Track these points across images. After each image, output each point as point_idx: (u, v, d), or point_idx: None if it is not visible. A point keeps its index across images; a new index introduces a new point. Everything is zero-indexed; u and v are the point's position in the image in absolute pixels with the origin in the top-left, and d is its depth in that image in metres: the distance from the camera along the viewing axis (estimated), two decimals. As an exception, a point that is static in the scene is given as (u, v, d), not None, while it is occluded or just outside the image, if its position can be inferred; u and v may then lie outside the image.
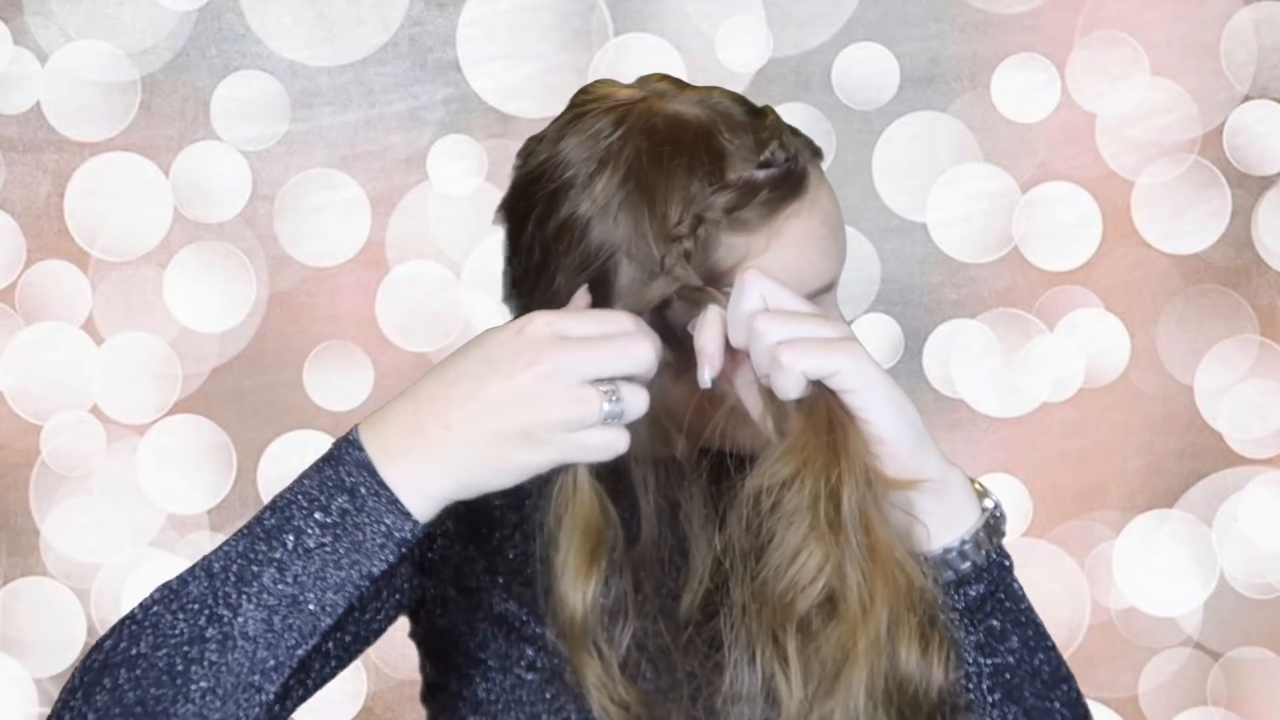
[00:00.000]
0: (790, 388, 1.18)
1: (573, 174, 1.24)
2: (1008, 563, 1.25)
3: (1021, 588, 1.26)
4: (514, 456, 1.17)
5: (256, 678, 1.16)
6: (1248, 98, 2.37)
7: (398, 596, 1.24)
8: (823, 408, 1.18)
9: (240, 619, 1.16)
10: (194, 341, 2.36)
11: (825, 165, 1.30)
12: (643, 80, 1.30)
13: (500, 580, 1.33)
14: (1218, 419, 2.40)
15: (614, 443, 1.17)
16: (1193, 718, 2.42)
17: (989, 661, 1.24)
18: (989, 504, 1.25)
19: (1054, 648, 1.26)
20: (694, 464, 1.26)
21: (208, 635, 1.16)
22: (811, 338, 1.18)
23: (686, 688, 1.27)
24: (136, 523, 2.36)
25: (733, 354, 1.21)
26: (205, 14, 2.34)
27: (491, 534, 1.33)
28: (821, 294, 1.26)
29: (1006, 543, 1.26)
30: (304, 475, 1.18)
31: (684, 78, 1.31)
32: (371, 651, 1.26)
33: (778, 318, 1.19)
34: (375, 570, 1.17)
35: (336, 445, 1.19)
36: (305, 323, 2.37)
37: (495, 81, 2.35)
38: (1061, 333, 2.39)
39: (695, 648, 1.27)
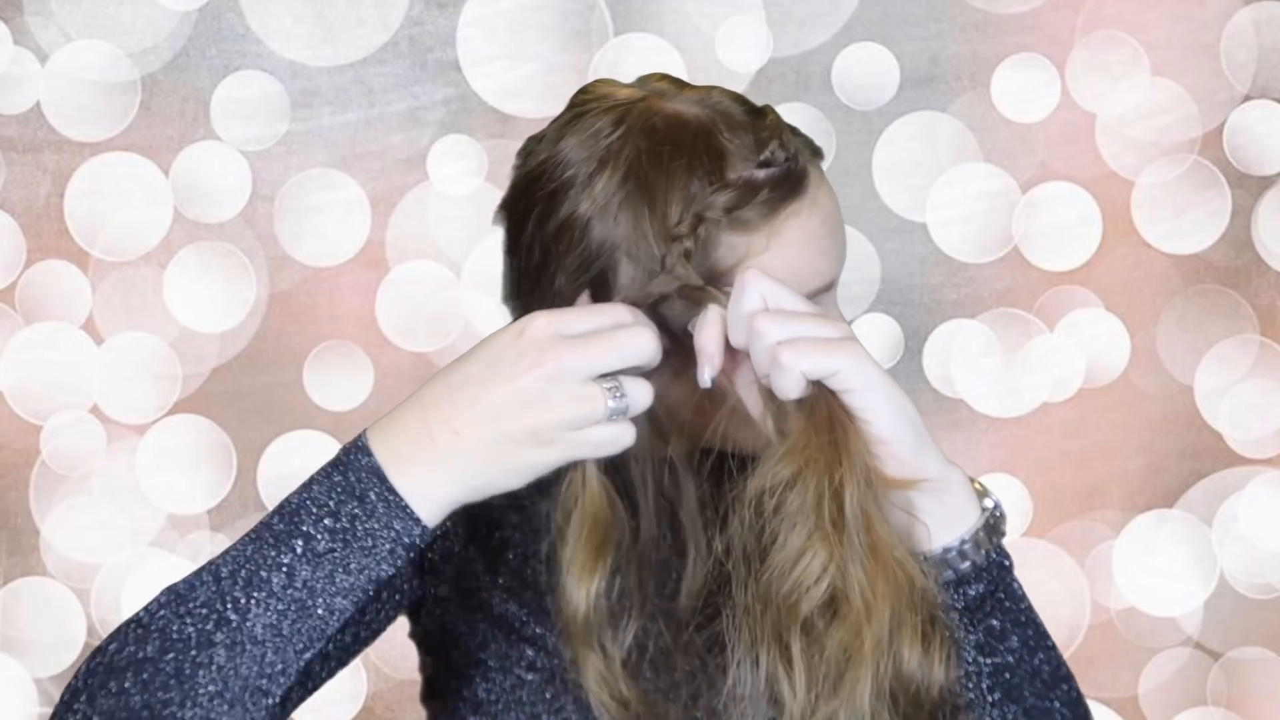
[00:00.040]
0: (790, 388, 1.18)
1: (572, 173, 1.24)
2: (1007, 562, 1.25)
3: (1021, 587, 1.26)
4: (522, 458, 1.17)
5: (264, 681, 1.17)
6: (1248, 98, 2.37)
7: (398, 597, 1.24)
8: (823, 407, 1.18)
9: (249, 623, 1.16)
10: (194, 341, 2.36)
11: (825, 165, 1.30)
12: (642, 80, 1.30)
13: (500, 581, 1.33)
14: (1218, 419, 2.40)
15: (620, 436, 1.17)
16: (1193, 718, 2.42)
17: (989, 661, 1.24)
18: (989, 504, 1.25)
19: (1054, 647, 1.26)
20: (693, 464, 1.26)
21: (216, 639, 1.16)
22: (811, 337, 1.18)
23: (687, 688, 1.27)
24: (136, 523, 2.36)
25: (733, 354, 1.21)
26: (205, 14, 2.34)
27: (492, 534, 1.33)
28: (821, 294, 1.26)
29: (1006, 543, 1.26)
30: (313, 480, 1.19)
31: (684, 78, 1.31)
32: (371, 651, 1.26)
33: (778, 317, 1.19)
34: (384, 574, 1.18)
35: (345, 451, 1.19)
36: (305, 323, 2.37)
37: (495, 81, 2.35)
38: (1061, 333, 2.39)
39: (696, 648, 1.27)
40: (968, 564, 1.22)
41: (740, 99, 1.29)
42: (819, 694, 1.18)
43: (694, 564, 1.25)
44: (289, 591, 1.17)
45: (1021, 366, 2.39)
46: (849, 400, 1.19)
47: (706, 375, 1.20)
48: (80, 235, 2.35)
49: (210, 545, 2.37)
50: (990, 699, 1.23)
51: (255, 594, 1.17)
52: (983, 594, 1.23)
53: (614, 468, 1.21)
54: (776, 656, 1.19)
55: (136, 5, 2.33)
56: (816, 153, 1.30)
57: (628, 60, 2.33)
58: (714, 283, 1.22)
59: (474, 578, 1.33)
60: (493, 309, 1.33)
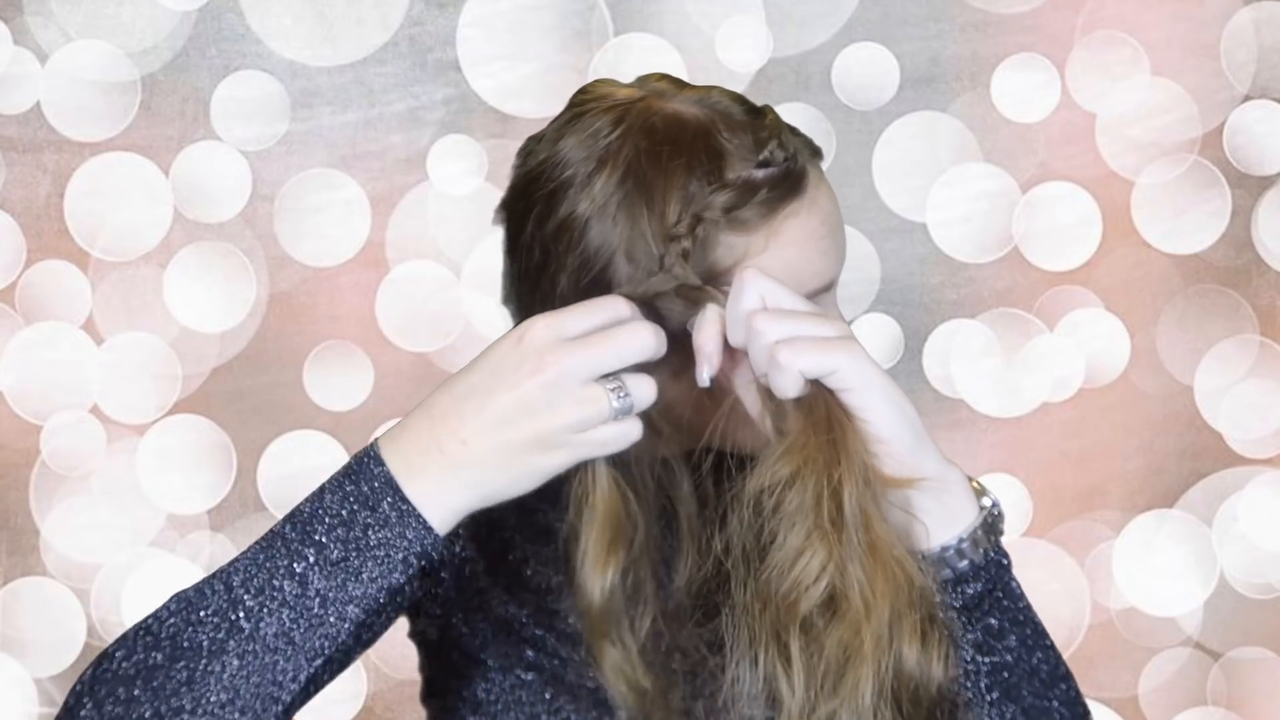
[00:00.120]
0: (788, 387, 1.18)
1: (572, 173, 1.24)
2: (1006, 561, 1.25)
3: (1020, 586, 1.26)
4: (531, 463, 1.18)
5: (274, 689, 1.17)
6: (1248, 98, 2.37)
7: (399, 599, 1.24)
8: (821, 407, 1.19)
9: (261, 631, 1.17)
10: (194, 341, 2.36)
11: (825, 165, 1.30)
12: (642, 80, 1.30)
13: (501, 581, 1.33)
14: (1218, 419, 2.40)
15: (627, 433, 1.18)
16: (1193, 718, 2.42)
17: (987, 660, 1.24)
18: (987, 503, 1.25)
19: (1052, 646, 1.26)
20: (691, 463, 1.26)
21: (228, 648, 1.17)
22: (810, 336, 1.18)
23: (686, 686, 1.27)
24: (136, 523, 2.36)
25: (731, 353, 1.21)
26: (205, 14, 2.34)
27: (493, 536, 1.33)
28: (821, 294, 1.26)
29: (1006, 542, 1.26)
30: (325, 489, 1.19)
31: (684, 78, 1.31)
32: (371, 651, 1.26)
33: (776, 317, 1.19)
34: (396, 583, 1.18)
35: (358, 460, 1.19)
36: (305, 323, 2.37)
37: (495, 81, 2.35)
38: (1061, 333, 2.39)
39: (695, 647, 1.27)
40: (966, 563, 1.23)
41: (740, 99, 1.29)
42: (818, 693, 1.18)
43: (692, 563, 1.25)
44: (301, 600, 1.17)
45: (1021, 366, 2.39)
46: (847, 399, 1.19)
47: (705, 374, 1.20)
48: (80, 235, 2.35)
49: (210, 545, 2.37)
50: (989, 698, 1.24)
51: (268, 602, 1.17)
52: (981, 593, 1.23)
53: (617, 462, 1.21)
54: (775, 655, 1.19)
55: (136, 5, 2.33)
56: (816, 153, 1.30)
57: (628, 60, 2.33)
58: (713, 282, 1.22)
59: (474, 578, 1.33)
60: (493, 309, 1.33)
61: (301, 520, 1.18)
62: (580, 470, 1.20)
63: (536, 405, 1.16)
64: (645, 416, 1.19)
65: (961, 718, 1.23)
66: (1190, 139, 2.37)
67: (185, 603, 1.19)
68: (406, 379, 2.36)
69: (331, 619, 1.18)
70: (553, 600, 1.32)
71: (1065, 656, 1.29)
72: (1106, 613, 2.40)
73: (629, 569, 1.21)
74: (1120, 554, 2.41)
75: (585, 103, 1.28)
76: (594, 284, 1.22)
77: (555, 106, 1.31)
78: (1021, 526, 2.38)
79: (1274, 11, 2.35)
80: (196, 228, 2.35)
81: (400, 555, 1.18)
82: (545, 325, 1.17)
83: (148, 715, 1.16)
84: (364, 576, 1.18)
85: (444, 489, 1.18)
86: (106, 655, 1.18)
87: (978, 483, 1.26)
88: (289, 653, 1.17)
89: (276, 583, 1.17)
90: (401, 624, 1.33)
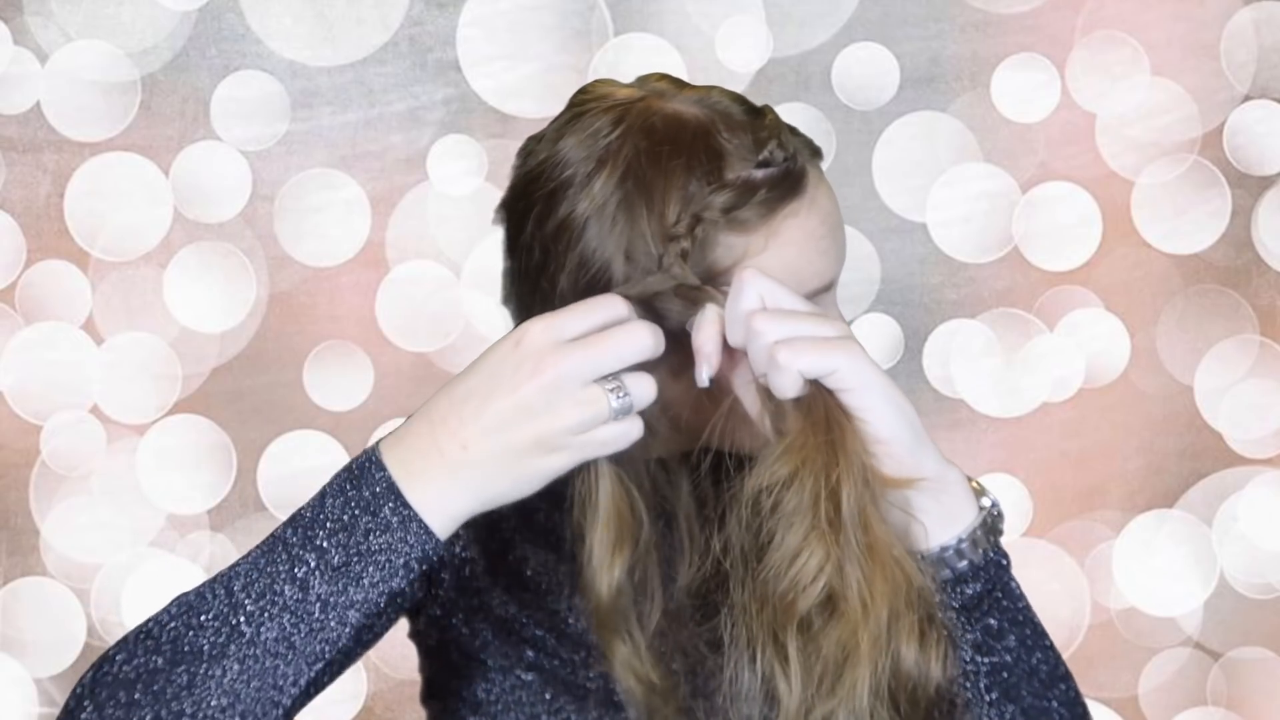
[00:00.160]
0: (788, 387, 1.18)
1: (571, 173, 1.24)
2: (1005, 562, 1.25)
3: (1019, 586, 1.26)
4: (532, 466, 1.18)
5: (275, 692, 1.17)
6: (1248, 98, 2.37)
7: (400, 601, 1.24)
8: (820, 407, 1.18)
9: (262, 635, 1.17)
10: (194, 341, 2.36)
11: (825, 165, 1.30)
12: (642, 80, 1.30)
13: (501, 581, 1.33)
14: (1218, 419, 2.40)
15: (628, 432, 1.18)
16: (1193, 718, 2.42)
17: (986, 660, 1.24)
18: (986, 503, 1.25)
19: (1052, 647, 1.26)
20: (690, 464, 1.26)
21: (229, 652, 1.17)
22: (809, 337, 1.18)
23: (686, 685, 1.27)
24: (136, 523, 2.36)
25: (731, 353, 1.21)
26: (205, 14, 2.34)
27: (493, 536, 1.33)
28: (821, 294, 1.26)
29: (1006, 542, 1.26)
30: (326, 494, 1.19)
31: (684, 78, 1.31)
32: (371, 651, 1.26)
33: (775, 317, 1.19)
34: (397, 588, 1.18)
35: (360, 466, 1.19)
36: (305, 323, 2.37)
37: (495, 81, 2.35)
38: (1061, 333, 2.39)
39: (694, 645, 1.27)
40: (965, 563, 1.22)
41: (739, 99, 1.29)
42: (816, 692, 1.18)
43: (690, 562, 1.26)
44: (302, 605, 1.17)
45: (1021, 366, 2.39)
46: (846, 399, 1.19)
47: (704, 374, 1.20)
48: (80, 235, 2.35)
49: (210, 545, 2.37)
50: (988, 698, 1.23)
51: (268, 607, 1.17)
52: (980, 593, 1.23)
53: (619, 463, 1.21)
54: (773, 655, 1.19)
55: (136, 5, 2.33)
56: (816, 153, 1.30)
57: (628, 60, 2.33)
58: (712, 283, 1.22)
59: (474, 579, 1.33)
60: (493, 309, 1.33)
61: (303, 525, 1.18)
62: (583, 470, 1.20)
63: (536, 408, 1.16)
64: (644, 416, 1.19)
65: (960, 718, 1.23)
66: (1190, 139, 2.37)
67: (186, 606, 1.19)
68: (406, 379, 2.36)
69: (332, 623, 1.18)
70: (553, 600, 1.32)
71: (1065, 656, 1.29)
72: (1106, 613, 2.40)
73: (635, 565, 1.21)
74: (1120, 554, 2.41)
75: (585, 103, 1.28)
76: (593, 284, 1.22)
77: (555, 106, 1.31)
78: (1021, 526, 2.38)
79: (1274, 11, 2.35)
80: (196, 228, 2.35)
81: (401, 560, 1.18)
82: (543, 328, 1.17)
83: (148, 719, 1.16)
84: (365, 581, 1.18)
85: (445, 494, 1.18)
86: (107, 658, 1.18)
87: (977, 483, 1.26)
88: (289, 657, 1.17)
89: (277, 587, 1.17)
90: (401, 624, 1.33)
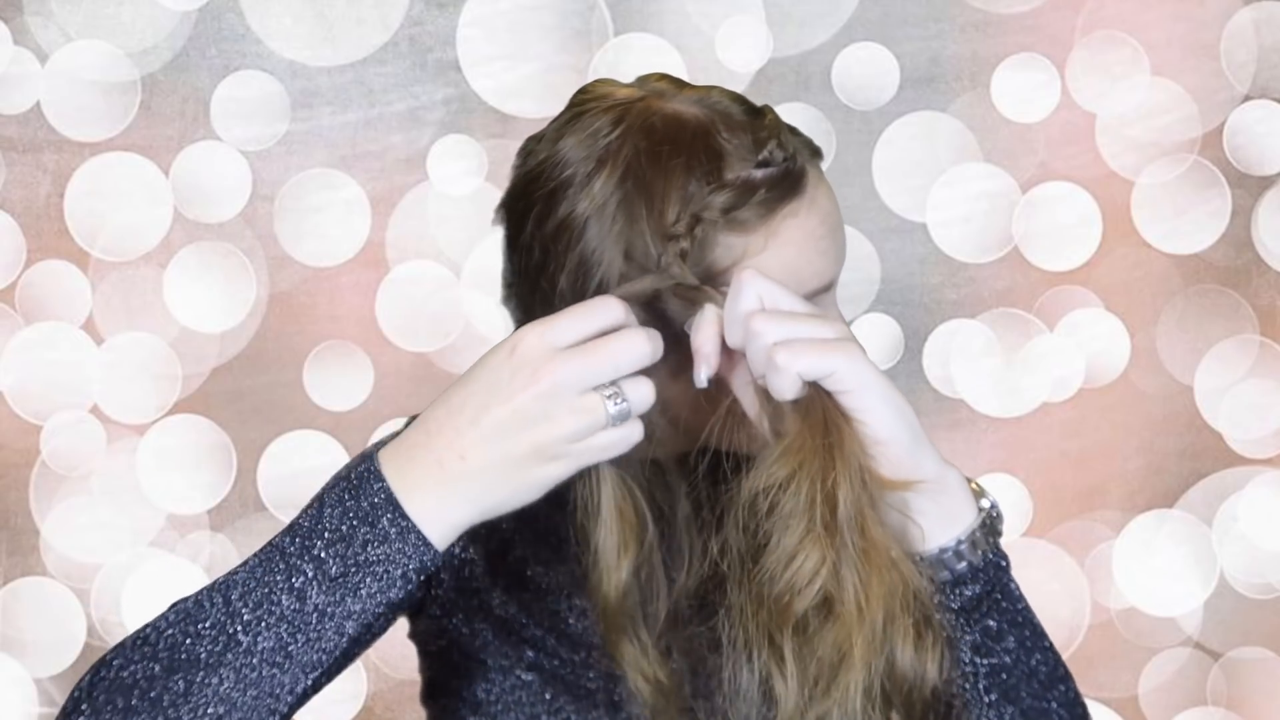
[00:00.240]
0: (786, 388, 1.18)
1: (571, 173, 1.24)
2: (1004, 563, 1.25)
3: (1019, 588, 1.26)
4: (531, 475, 1.18)
5: (271, 700, 1.17)
6: (1248, 98, 2.37)
7: (397, 611, 1.24)
8: (819, 408, 1.18)
9: (259, 645, 1.17)
10: (194, 341, 2.36)
11: (825, 165, 1.30)
12: (642, 80, 1.30)
13: (500, 583, 1.33)
14: (1218, 419, 2.40)
15: (628, 436, 1.18)
16: (1193, 718, 2.42)
17: (985, 661, 1.23)
18: (985, 504, 1.25)
19: (1051, 648, 1.26)
20: (689, 465, 1.26)
21: (225, 660, 1.17)
22: (808, 338, 1.18)
23: (686, 685, 1.27)
24: (136, 523, 2.36)
25: (729, 354, 1.21)
26: (205, 14, 2.34)
27: (492, 537, 1.33)
28: (820, 294, 1.26)
29: (1006, 543, 1.26)
30: (325, 503, 1.19)
31: (684, 78, 1.31)
32: (371, 651, 1.26)
33: (774, 318, 1.18)
34: (394, 598, 1.18)
35: (358, 476, 1.19)
36: (305, 323, 2.37)
37: (495, 81, 2.35)
38: (1061, 333, 2.39)
39: (693, 646, 1.27)
40: (964, 564, 1.22)
41: (739, 99, 1.28)
42: (811, 693, 1.18)
43: (688, 564, 1.25)
44: (299, 615, 1.17)
45: (1021, 366, 2.39)
46: (845, 401, 1.19)
47: (703, 375, 1.20)
48: (80, 235, 2.35)
49: (210, 545, 2.37)
50: (987, 699, 1.23)
51: (265, 617, 1.17)
52: (979, 594, 1.23)
53: (619, 465, 1.21)
54: (769, 656, 1.19)
55: (136, 5, 2.33)
56: (816, 153, 1.30)
57: (628, 60, 2.33)
58: (711, 283, 1.22)
59: (474, 580, 1.33)
60: (493, 309, 1.33)
61: (301, 534, 1.18)
62: (584, 474, 1.20)
63: (533, 417, 1.16)
64: (643, 417, 1.19)
65: (959, 719, 1.23)
66: (1190, 139, 2.37)
67: (184, 614, 1.19)
68: (406, 379, 2.36)
69: (329, 633, 1.18)
70: (553, 600, 1.32)
71: (1065, 657, 1.29)
72: (1106, 613, 2.40)
73: (641, 566, 1.21)
74: (1120, 554, 2.41)
75: (585, 103, 1.28)
76: (593, 283, 1.22)
77: (555, 106, 1.31)
78: (1021, 526, 2.38)
79: (1274, 11, 2.35)
80: (196, 228, 2.35)
81: (399, 571, 1.18)
82: (538, 335, 1.17)
83: (144, 725, 1.17)
84: (362, 593, 1.18)
85: (444, 504, 1.18)
86: (104, 663, 1.18)
87: (977, 484, 1.26)
88: (286, 666, 1.17)
89: (275, 597, 1.17)
90: (401, 624, 1.34)
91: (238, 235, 2.35)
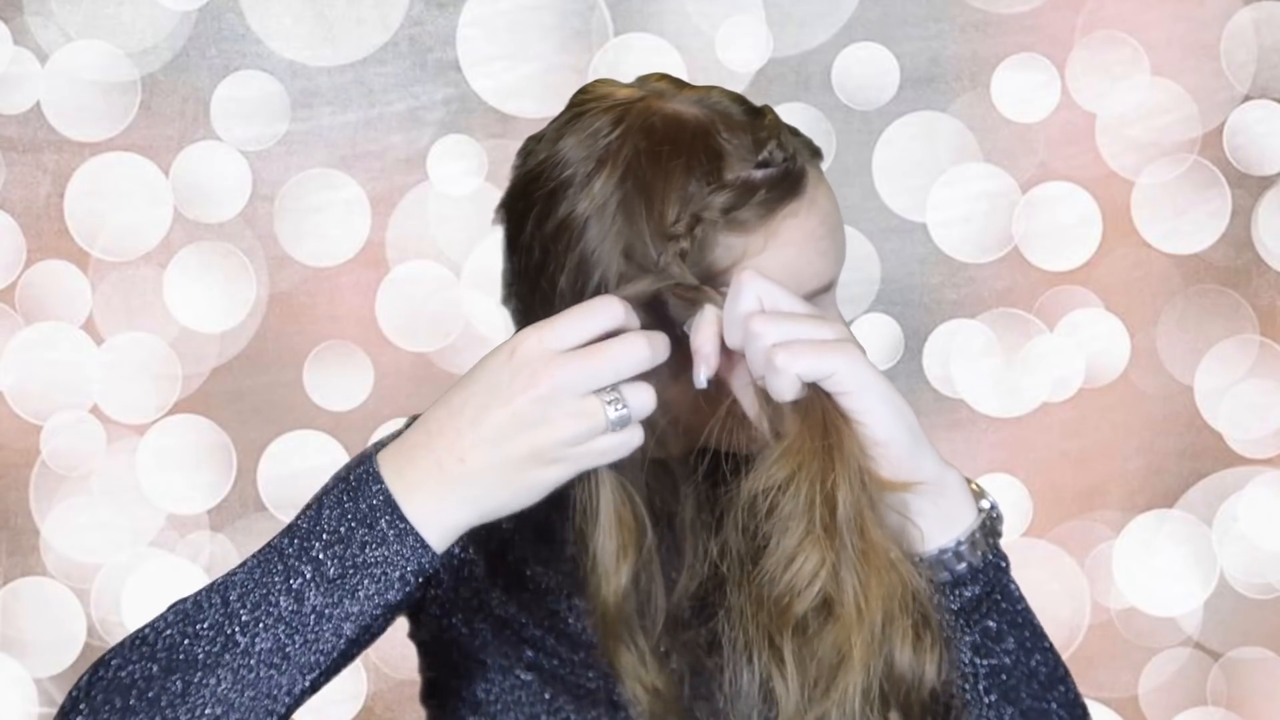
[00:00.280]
0: (785, 390, 1.18)
1: (571, 173, 1.24)
2: (1004, 564, 1.25)
3: (1019, 588, 1.25)
4: (530, 477, 1.17)
5: (268, 701, 1.17)
6: (1248, 98, 2.37)
7: (395, 612, 1.24)
8: (818, 410, 1.18)
9: (256, 646, 1.17)
10: (194, 341, 2.36)
11: (825, 165, 1.30)
12: (642, 80, 1.30)
13: (500, 582, 1.33)
14: (1218, 419, 2.40)
15: (628, 441, 1.18)
16: (1193, 718, 2.42)
17: (985, 662, 1.23)
18: (985, 505, 1.25)
19: (1051, 648, 1.26)
20: (690, 465, 1.26)
21: (223, 661, 1.17)
22: (807, 339, 1.18)
23: (686, 687, 1.27)
24: (136, 523, 2.36)
25: (729, 354, 1.21)
26: (205, 14, 2.34)
27: (491, 537, 1.33)
28: (820, 294, 1.26)
29: (1006, 543, 1.26)
30: (323, 504, 1.19)
31: (684, 78, 1.31)
32: (371, 651, 1.26)
33: (773, 319, 1.18)
34: (392, 600, 1.18)
35: (357, 478, 1.19)
36: (305, 323, 2.37)
37: (495, 81, 2.35)
38: (1061, 333, 2.39)
39: (693, 648, 1.27)
40: (964, 565, 1.22)
41: (739, 99, 1.28)
42: (811, 695, 1.18)
43: (689, 565, 1.25)
44: (297, 617, 1.17)
45: (1021, 366, 2.39)
46: (844, 402, 1.19)
47: (702, 376, 1.20)
48: (80, 235, 2.35)
49: (210, 545, 2.37)
50: (986, 700, 1.23)
51: (264, 618, 1.17)
52: (979, 595, 1.23)
53: (619, 469, 1.21)
54: (769, 657, 1.19)
55: (136, 5, 2.33)
56: (815, 153, 1.30)
57: (628, 60, 2.33)
58: (711, 283, 1.22)
59: (474, 580, 1.33)
60: (493, 309, 1.33)
61: (299, 536, 1.18)
62: (583, 477, 1.20)
63: (532, 420, 1.16)
64: (644, 422, 1.19)
65: (958, 720, 1.23)
66: (1190, 139, 2.37)
67: (182, 615, 1.19)
68: (406, 379, 2.36)
69: (327, 635, 1.17)
70: (552, 600, 1.32)
71: (1065, 657, 1.29)
72: (1106, 613, 2.40)
73: (639, 572, 1.21)
74: (1120, 554, 2.41)
75: (585, 103, 1.28)
76: (593, 283, 1.22)
77: (555, 106, 1.31)
78: (1021, 526, 2.38)
79: (1274, 11, 2.35)
80: (196, 228, 2.35)
81: (397, 574, 1.18)
82: (538, 338, 1.17)
83: (142, 725, 1.17)
84: (360, 594, 1.17)
85: (443, 507, 1.18)
86: (103, 663, 1.18)
87: (976, 485, 1.26)
88: (284, 667, 1.17)
89: (273, 598, 1.17)
90: (401, 624, 1.34)
91: (238, 235, 2.35)
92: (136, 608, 2.33)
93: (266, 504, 2.36)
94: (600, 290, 1.21)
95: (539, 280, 1.25)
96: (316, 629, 1.17)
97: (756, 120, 1.26)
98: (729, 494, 1.20)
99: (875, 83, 2.36)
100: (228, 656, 1.17)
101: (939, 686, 1.19)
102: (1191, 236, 2.38)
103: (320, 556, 1.17)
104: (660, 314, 1.21)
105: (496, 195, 1.30)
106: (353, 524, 1.18)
